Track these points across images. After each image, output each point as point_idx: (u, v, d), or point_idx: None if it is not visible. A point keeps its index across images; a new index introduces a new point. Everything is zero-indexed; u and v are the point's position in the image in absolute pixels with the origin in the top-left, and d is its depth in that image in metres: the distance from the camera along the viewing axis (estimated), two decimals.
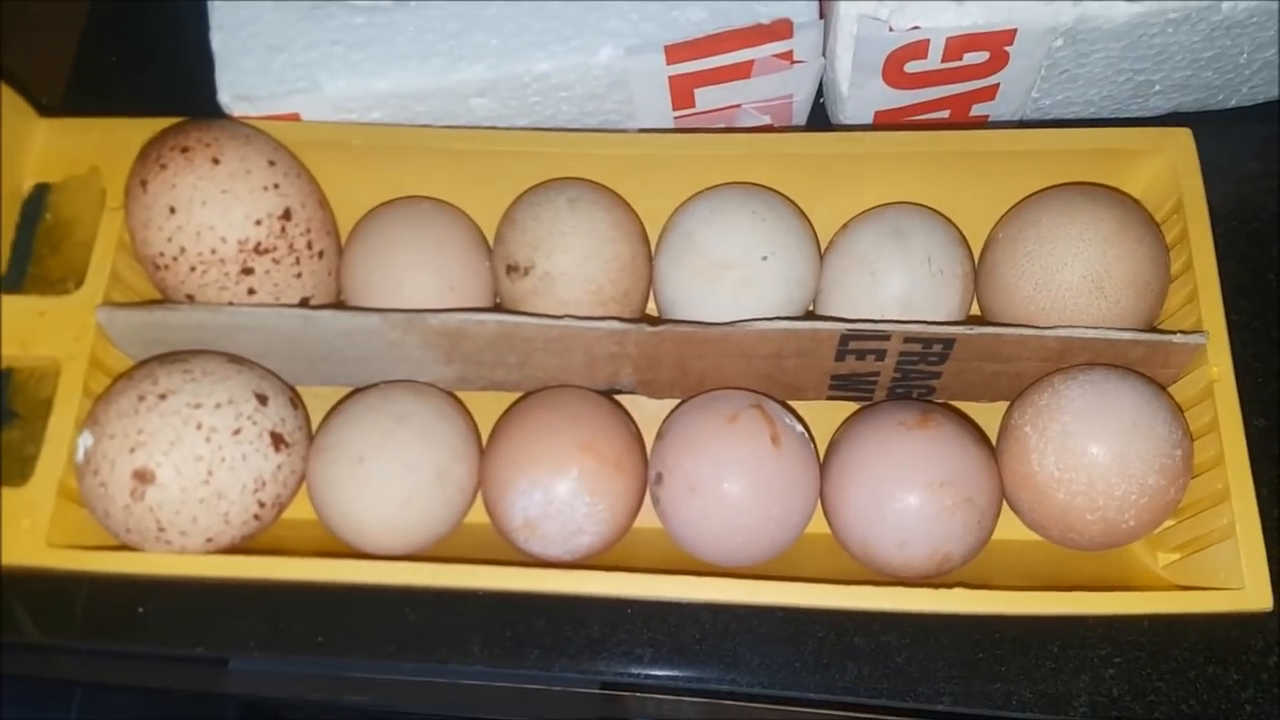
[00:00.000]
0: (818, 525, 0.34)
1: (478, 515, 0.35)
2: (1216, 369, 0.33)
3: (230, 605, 0.36)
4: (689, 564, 0.34)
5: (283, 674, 0.39)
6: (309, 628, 0.36)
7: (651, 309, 0.38)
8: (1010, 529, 0.34)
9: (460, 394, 0.36)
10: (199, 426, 0.31)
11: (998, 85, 0.39)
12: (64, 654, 0.38)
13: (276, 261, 0.34)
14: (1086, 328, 0.32)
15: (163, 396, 0.31)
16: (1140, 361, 0.33)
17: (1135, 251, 0.33)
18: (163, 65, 0.43)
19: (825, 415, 0.36)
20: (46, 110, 0.38)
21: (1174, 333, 0.33)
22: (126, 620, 0.36)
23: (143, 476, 0.30)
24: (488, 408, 0.36)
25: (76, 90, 0.44)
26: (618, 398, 0.36)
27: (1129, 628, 0.35)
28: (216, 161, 0.33)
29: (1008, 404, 0.35)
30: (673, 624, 0.36)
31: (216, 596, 0.36)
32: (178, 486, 0.30)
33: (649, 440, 0.35)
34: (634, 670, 0.35)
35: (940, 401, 0.36)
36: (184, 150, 0.33)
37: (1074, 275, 0.33)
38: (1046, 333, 0.32)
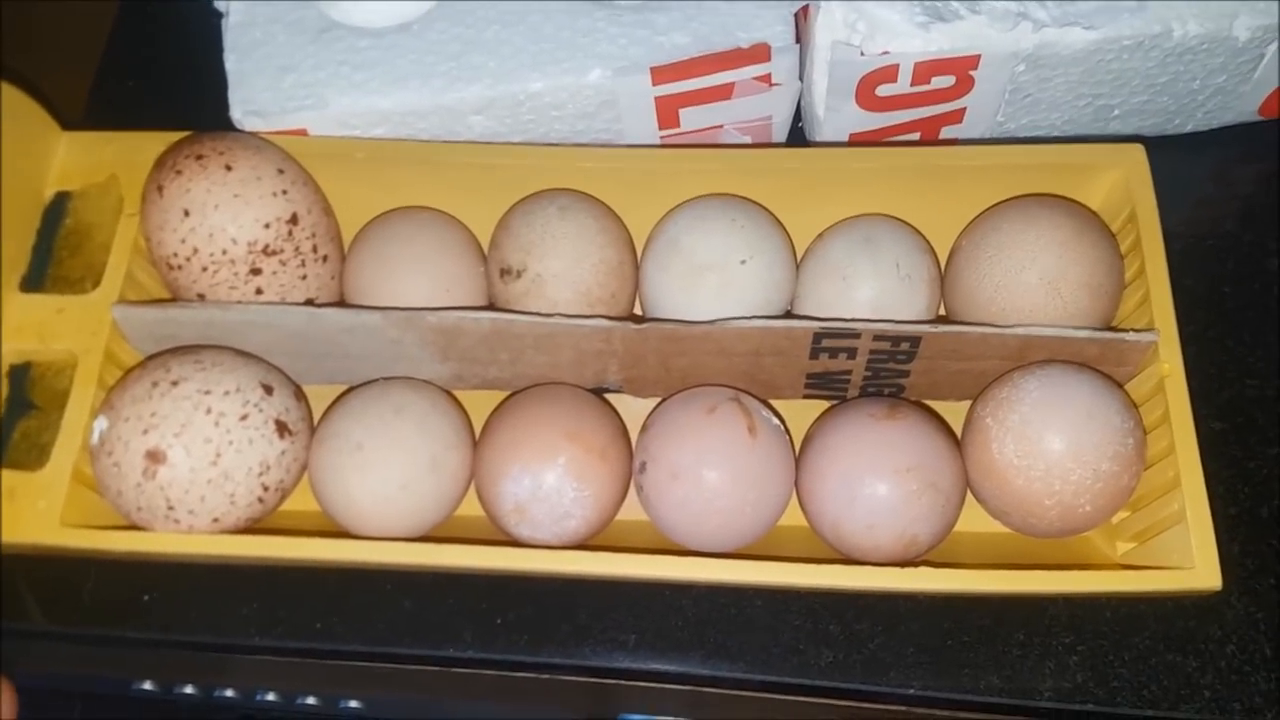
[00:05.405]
0: (793, 518, 0.36)
1: (468, 509, 0.36)
2: (1168, 365, 0.35)
3: (232, 592, 0.37)
4: (672, 553, 0.35)
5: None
6: (308, 614, 0.37)
7: (638, 313, 0.40)
8: (976, 522, 0.36)
9: (456, 393, 0.38)
10: (208, 411, 0.32)
11: (965, 109, 0.42)
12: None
13: (283, 263, 0.36)
14: (1044, 326, 0.34)
15: (175, 383, 0.33)
16: (1096, 359, 0.35)
17: (1089, 256, 0.35)
18: (177, 85, 0.45)
19: (802, 414, 0.38)
20: (68, 125, 0.40)
21: (1127, 331, 0.35)
22: (132, 606, 0.37)
23: (155, 456, 0.32)
24: (482, 406, 0.37)
25: (96, 108, 0.46)
26: (605, 397, 0.38)
27: (1091, 617, 0.37)
28: (229, 168, 0.35)
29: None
30: (656, 613, 0.37)
31: (219, 584, 0.37)
32: (187, 467, 0.32)
33: (634, 436, 0.37)
34: (619, 655, 0.37)
35: (910, 399, 0.38)
36: (199, 158, 0.35)
37: (1032, 278, 0.35)
38: (1007, 331, 0.34)
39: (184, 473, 0.32)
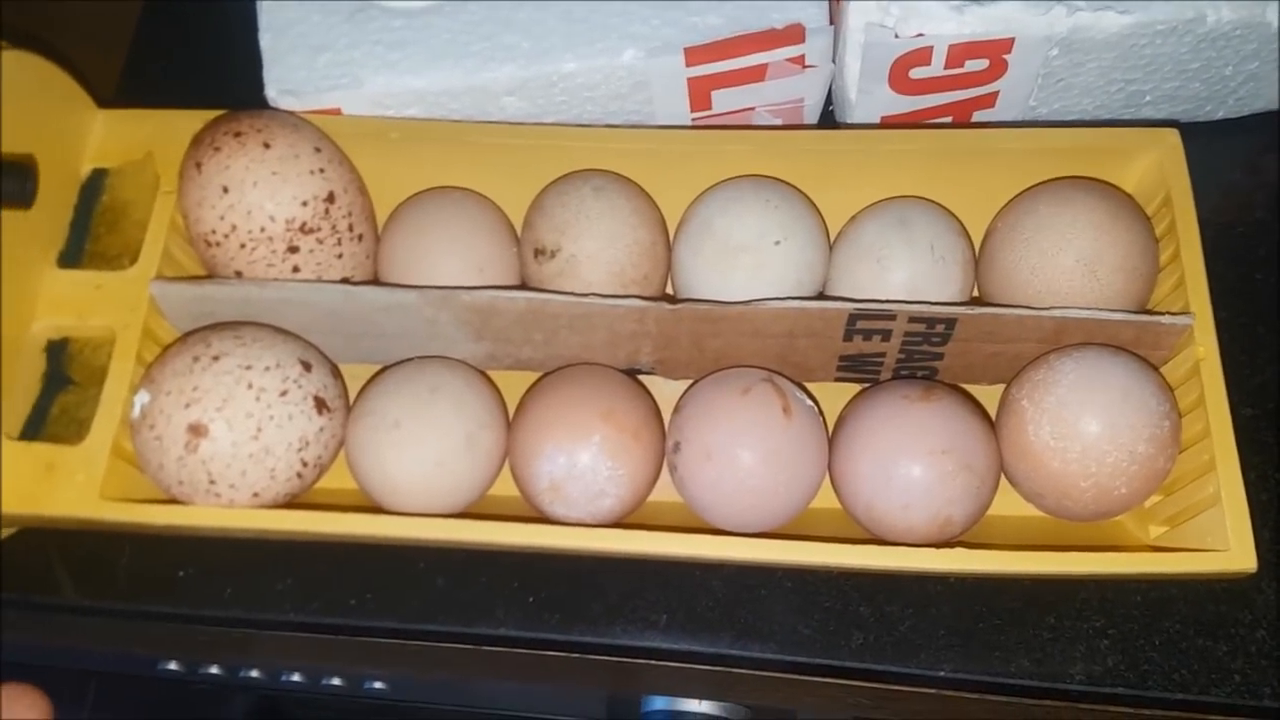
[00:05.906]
0: (826, 500, 0.36)
1: (502, 489, 0.37)
2: (1203, 349, 0.35)
3: (268, 569, 0.38)
4: (704, 532, 0.35)
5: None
6: (342, 591, 0.37)
7: (670, 294, 0.40)
8: (1010, 505, 0.36)
9: (490, 373, 0.38)
10: (249, 386, 0.33)
11: (997, 93, 0.42)
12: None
13: (320, 241, 0.36)
14: (1080, 308, 0.34)
15: (216, 358, 0.33)
16: (1132, 342, 0.35)
17: (1125, 238, 0.35)
18: (210, 64, 0.46)
19: (835, 397, 0.38)
20: (103, 103, 0.40)
21: (1163, 314, 0.35)
22: (167, 582, 0.38)
23: (197, 430, 0.32)
24: (516, 387, 0.38)
25: (129, 87, 0.46)
26: (638, 378, 0.38)
27: (1122, 601, 0.37)
28: (267, 146, 0.35)
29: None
30: (687, 593, 0.37)
31: (255, 561, 0.38)
32: (229, 441, 0.32)
33: (666, 418, 0.37)
34: (650, 635, 0.37)
35: (943, 382, 0.38)
36: (237, 135, 0.35)
37: (1068, 260, 0.35)
38: (1043, 313, 0.34)
39: (226, 447, 0.32)
